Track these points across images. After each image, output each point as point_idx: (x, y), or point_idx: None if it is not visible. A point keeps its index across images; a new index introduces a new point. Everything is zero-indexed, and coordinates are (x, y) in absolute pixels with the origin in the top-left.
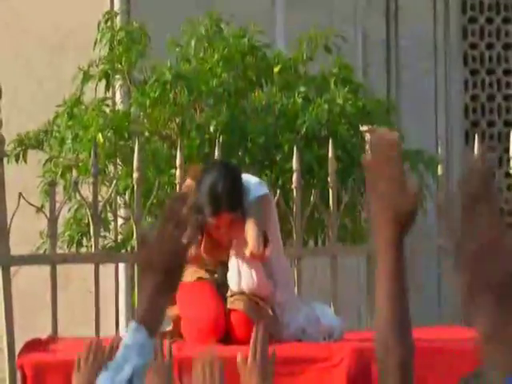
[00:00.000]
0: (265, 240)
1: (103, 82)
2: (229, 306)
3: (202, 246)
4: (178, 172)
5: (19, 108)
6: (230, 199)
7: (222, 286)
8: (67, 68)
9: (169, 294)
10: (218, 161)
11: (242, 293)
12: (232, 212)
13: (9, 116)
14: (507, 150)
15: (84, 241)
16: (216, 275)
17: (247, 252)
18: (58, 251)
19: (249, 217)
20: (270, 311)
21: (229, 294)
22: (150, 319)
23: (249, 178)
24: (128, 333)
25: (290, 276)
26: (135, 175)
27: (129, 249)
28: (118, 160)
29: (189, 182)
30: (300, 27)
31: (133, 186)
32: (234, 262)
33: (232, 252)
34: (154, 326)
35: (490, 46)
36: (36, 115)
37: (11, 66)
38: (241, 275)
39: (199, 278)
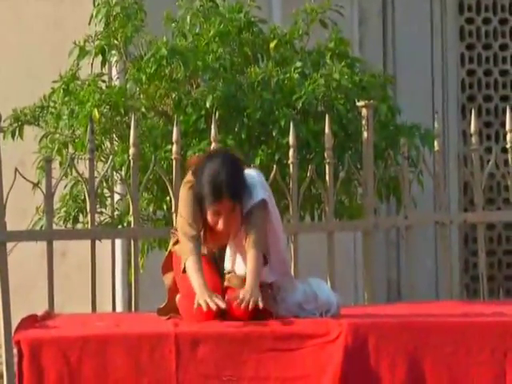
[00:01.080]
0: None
1: (99, 57)
2: (225, 283)
3: (203, 237)
4: (174, 147)
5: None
6: (231, 187)
7: (220, 261)
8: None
9: None
10: (220, 149)
11: None
12: (233, 200)
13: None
14: (503, 125)
15: (80, 217)
16: (214, 250)
17: (239, 299)
18: (55, 227)
19: (251, 229)
20: (267, 289)
21: (226, 270)
22: None
23: (253, 176)
24: None
25: (286, 256)
26: (131, 151)
27: (125, 224)
28: (114, 136)
29: (189, 177)
30: (296, 2)
31: (129, 162)
32: (231, 246)
33: (231, 238)
34: None
35: (486, 21)
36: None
37: (11, 65)
38: (235, 262)
39: None
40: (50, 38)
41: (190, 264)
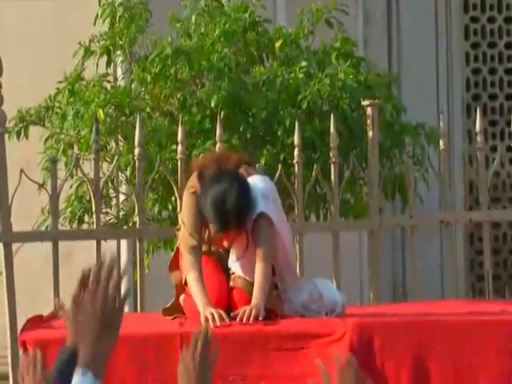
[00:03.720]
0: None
1: (104, 57)
2: (231, 283)
3: (207, 240)
4: (179, 148)
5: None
6: (238, 218)
7: (226, 260)
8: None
9: (110, 340)
10: (227, 171)
11: None
12: (239, 229)
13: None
14: (509, 124)
15: (86, 217)
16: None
17: (244, 309)
18: (60, 228)
19: (258, 241)
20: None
21: (231, 271)
22: (94, 363)
23: (255, 186)
24: (75, 378)
25: (291, 258)
26: (136, 151)
27: (131, 225)
28: (119, 136)
29: (194, 181)
30: (301, 1)
31: (134, 162)
32: (236, 251)
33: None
34: (99, 368)
35: (491, 20)
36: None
37: (15, 66)
38: (239, 266)
39: (204, 252)
40: (53, 37)
41: (191, 280)
